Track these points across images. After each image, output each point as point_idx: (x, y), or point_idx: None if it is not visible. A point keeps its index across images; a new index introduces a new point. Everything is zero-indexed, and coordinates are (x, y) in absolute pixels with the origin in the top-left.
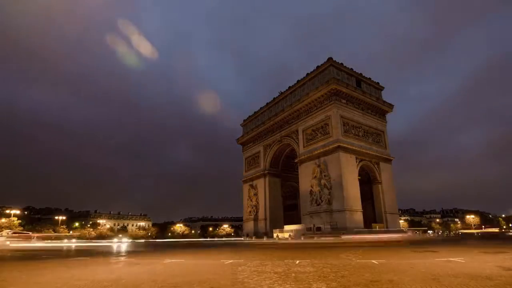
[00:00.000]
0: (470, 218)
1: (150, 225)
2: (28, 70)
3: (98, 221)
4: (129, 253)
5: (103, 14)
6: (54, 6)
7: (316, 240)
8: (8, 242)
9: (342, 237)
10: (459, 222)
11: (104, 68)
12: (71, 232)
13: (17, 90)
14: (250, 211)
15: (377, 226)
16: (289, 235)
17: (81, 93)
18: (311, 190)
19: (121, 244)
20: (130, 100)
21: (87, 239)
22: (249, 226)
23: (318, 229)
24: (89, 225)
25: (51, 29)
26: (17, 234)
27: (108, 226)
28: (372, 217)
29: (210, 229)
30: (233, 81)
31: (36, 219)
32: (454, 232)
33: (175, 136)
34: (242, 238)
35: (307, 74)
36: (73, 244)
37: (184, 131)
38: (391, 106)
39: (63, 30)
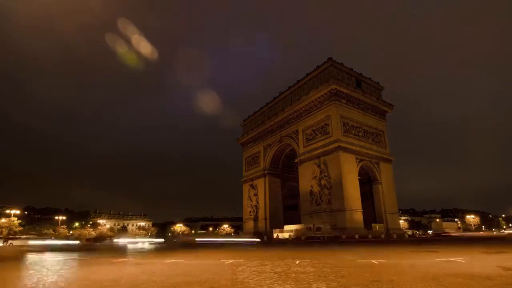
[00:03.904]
0: (470, 218)
1: (150, 225)
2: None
3: (98, 221)
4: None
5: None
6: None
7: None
8: None
9: None
10: (459, 222)
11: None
12: (71, 232)
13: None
14: (250, 211)
15: (377, 226)
16: (289, 235)
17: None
18: (311, 190)
19: None
20: (130, 102)
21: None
22: (249, 226)
23: (318, 229)
24: (89, 225)
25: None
26: None
27: (108, 226)
28: (372, 217)
29: (210, 229)
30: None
31: (36, 219)
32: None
33: (175, 135)
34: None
35: (307, 74)
36: None
37: (184, 130)
38: (391, 106)
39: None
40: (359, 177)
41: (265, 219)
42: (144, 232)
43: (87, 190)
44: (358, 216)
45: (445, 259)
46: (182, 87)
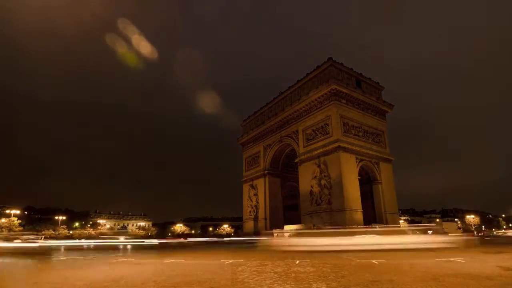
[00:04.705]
0: (470, 218)
1: (150, 225)
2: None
3: (98, 221)
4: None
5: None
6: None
7: None
8: None
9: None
10: (459, 222)
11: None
12: (71, 232)
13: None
14: (250, 211)
15: (377, 226)
16: (289, 235)
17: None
18: (311, 190)
19: None
20: (128, 102)
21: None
22: (249, 226)
23: (318, 229)
24: (89, 225)
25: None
26: None
27: (108, 226)
28: (373, 217)
29: (210, 229)
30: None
31: (36, 219)
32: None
33: (175, 135)
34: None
35: (307, 74)
36: None
37: (184, 130)
38: (391, 106)
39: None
40: (359, 177)
41: (265, 219)
42: (143, 232)
43: (87, 190)
44: (358, 216)
45: (445, 259)
46: (182, 87)
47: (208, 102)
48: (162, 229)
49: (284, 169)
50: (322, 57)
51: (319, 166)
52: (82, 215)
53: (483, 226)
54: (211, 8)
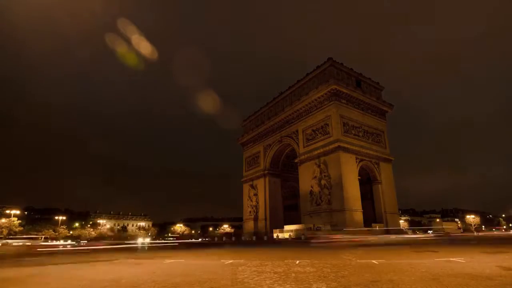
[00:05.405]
0: (470, 218)
1: (150, 225)
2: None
3: (98, 221)
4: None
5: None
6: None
7: None
8: None
9: None
10: (459, 222)
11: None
12: (71, 232)
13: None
14: (250, 211)
15: (377, 226)
16: (289, 235)
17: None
18: (311, 190)
19: None
20: (129, 102)
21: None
22: (249, 226)
23: (318, 229)
24: (89, 225)
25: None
26: None
27: (108, 226)
28: (372, 217)
29: (210, 229)
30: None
31: (36, 219)
32: None
33: (175, 135)
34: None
35: (307, 74)
36: None
37: (184, 130)
38: (391, 106)
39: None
40: (359, 177)
41: (265, 219)
42: (144, 232)
43: (87, 190)
44: (358, 216)
45: (445, 259)
46: (182, 86)
47: (208, 102)
48: (162, 229)
49: (284, 169)
50: (322, 57)
51: (319, 166)
52: (82, 215)
53: (483, 226)
54: (212, 8)
